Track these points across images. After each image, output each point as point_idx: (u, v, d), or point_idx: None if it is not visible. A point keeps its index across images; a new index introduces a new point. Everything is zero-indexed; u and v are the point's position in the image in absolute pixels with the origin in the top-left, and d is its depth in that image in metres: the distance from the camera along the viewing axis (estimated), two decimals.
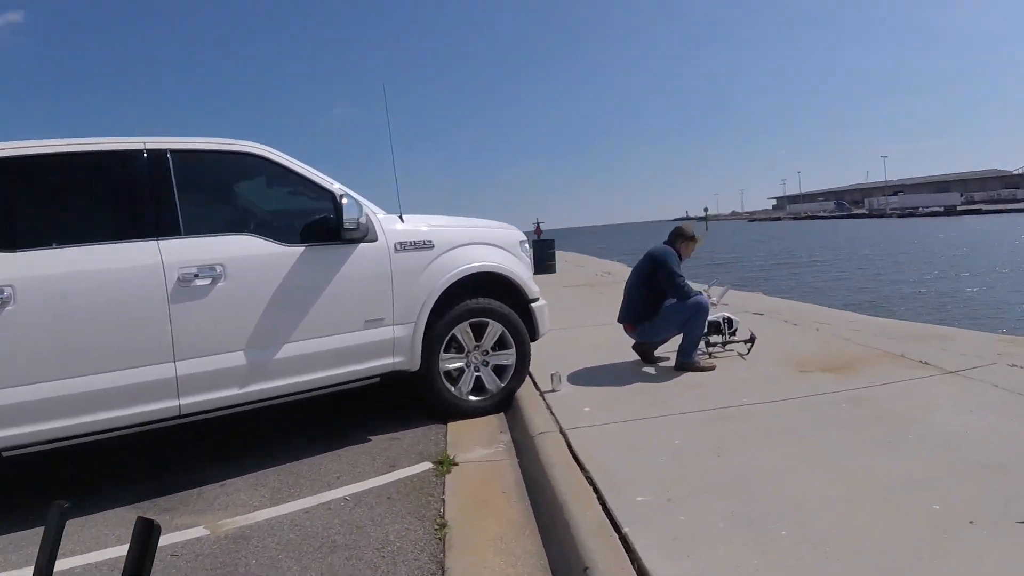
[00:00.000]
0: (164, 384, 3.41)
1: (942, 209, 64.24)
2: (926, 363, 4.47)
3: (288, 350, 3.76)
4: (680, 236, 5.13)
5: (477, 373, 4.49)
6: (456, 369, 4.44)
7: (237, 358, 3.61)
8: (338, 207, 3.77)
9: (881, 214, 71.80)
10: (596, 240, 69.26)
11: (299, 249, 3.81)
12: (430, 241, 4.23)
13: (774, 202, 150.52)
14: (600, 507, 2.67)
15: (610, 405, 4.07)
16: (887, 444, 3.12)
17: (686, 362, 4.77)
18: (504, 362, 4.54)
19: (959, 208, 62.98)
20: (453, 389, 4.42)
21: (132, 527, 0.88)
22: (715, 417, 3.69)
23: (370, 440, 4.18)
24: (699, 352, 4.96)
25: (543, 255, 16.05)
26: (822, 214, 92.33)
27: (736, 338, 5.27)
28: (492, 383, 4.52)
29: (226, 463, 3.90)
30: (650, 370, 4.94)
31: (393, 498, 3.30)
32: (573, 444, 3.44)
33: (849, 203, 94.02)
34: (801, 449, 3.13)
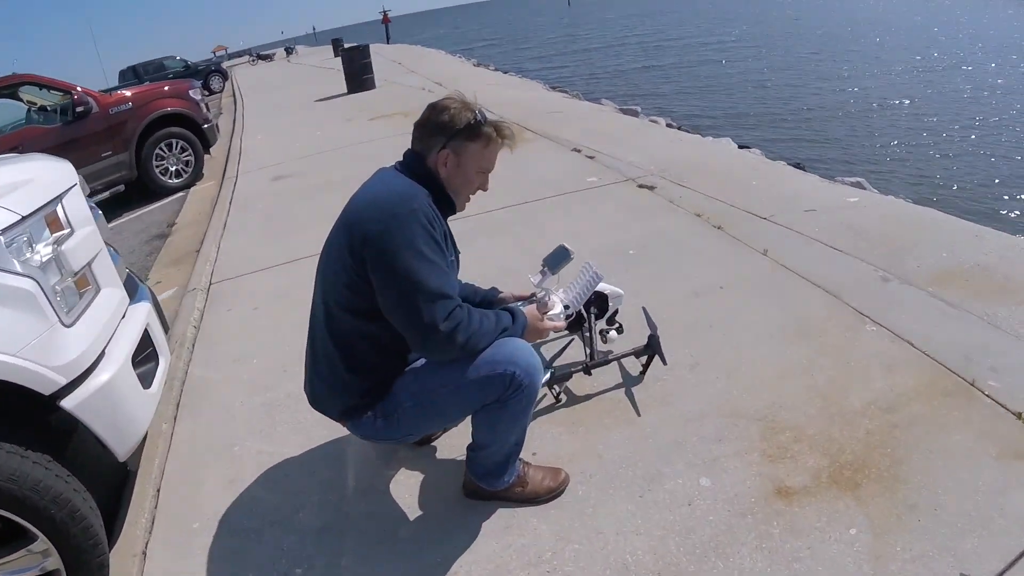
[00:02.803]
0: None
1: None
2: None
3: None
4: (444, 134, 1.68)
5: None
6: None
7: None
8: None
9: None
10: (457, 25, 56.67)
11: None
12: None
13: None
14: None
15: None
16: None
17: (488, 490, 1.92)
18: None
19: None
20: None
21: None
22: None
23: None
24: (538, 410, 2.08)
25: (356, 67, 12.31)
26: None
27: (618, 340, 2.54)
28: None
29: None
30: (407, 486, 2.08)
31: None
32: None
33: None
34: None
